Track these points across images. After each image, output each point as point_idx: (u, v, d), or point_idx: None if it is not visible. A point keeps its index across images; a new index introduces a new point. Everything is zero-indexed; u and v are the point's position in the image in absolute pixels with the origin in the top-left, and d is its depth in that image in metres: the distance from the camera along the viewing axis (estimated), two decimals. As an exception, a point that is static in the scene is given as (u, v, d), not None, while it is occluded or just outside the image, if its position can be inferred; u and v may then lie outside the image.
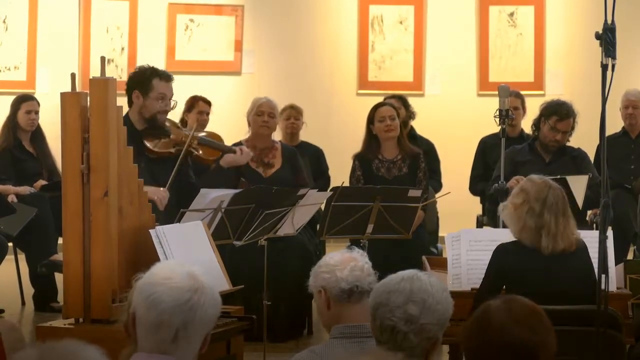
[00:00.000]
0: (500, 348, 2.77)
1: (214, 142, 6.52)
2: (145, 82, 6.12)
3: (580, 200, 6.66)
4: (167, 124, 6.27)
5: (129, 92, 6.18)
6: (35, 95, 8.53)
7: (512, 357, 2.77)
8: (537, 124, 7.26)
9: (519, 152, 7.31)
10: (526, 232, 4.69)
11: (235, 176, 6.71)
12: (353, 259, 3.72)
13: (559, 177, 6.00)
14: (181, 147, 6.18)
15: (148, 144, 6.11)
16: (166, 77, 6.17)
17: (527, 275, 4.63)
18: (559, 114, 7.12)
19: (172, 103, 6.23)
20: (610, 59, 4.11)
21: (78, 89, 4.59)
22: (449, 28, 11.04)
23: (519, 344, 2.77)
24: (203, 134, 6.54)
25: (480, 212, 8.42)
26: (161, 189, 5.96)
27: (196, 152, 6.35)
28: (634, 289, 5.15)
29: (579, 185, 6.68)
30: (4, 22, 10.35)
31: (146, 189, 5.89)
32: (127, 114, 6.19)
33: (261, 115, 6.97)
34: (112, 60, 10.58)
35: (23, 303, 7.69)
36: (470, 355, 2.83)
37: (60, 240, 6.34)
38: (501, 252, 4.74)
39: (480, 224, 8.17)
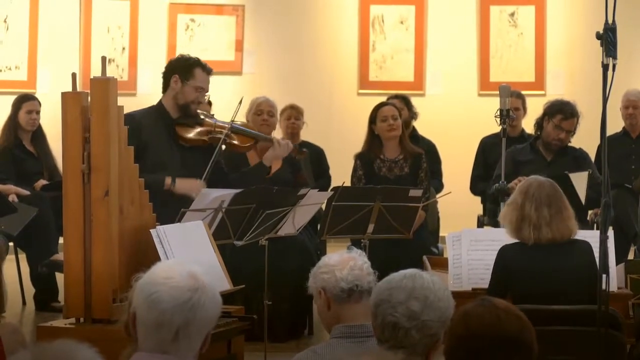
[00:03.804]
0: (479, 340, 2.79)
1: (247, 130, 6.51)
2: (188, 68, 6.13)
3: (582, 195, 6.68)
4: (200, 112, 6.27)
5: (167, 76, 6.17)
6: (36, 95, 8.52)
7: (491, 349, 2.79)
8: (540, 123, 7.25)
9: (521, 151, 7.31)
10: (512, 227, 4.78)
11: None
12: (352, 259, 3.71)
13: (560, 174, 6.02)
14: (214, 135, 6.19)
15: (181, 133, 6.13)
16: (208, 70, 6.19)
17: (528, 274, 4.66)
18: (563, 112, 7.12)
19: (207, 96, 6.27)
20: (611, 58, 4.11)
21: (79, 89, 4.60)
22: (450, 28, 11.04)
23: (498, 335, 2.79)
24: (237, 122, 6.52)
25: (481, 212, 8.42)
26: (197, 181, 5.97)
27: (231, 141, 6.34)
28: (635, 289, 5.16)
29: (580, 181, 6.70)
30: (5, 21, 10.35)
31: (181, 184, 5.96)
32: (161, 100, 6.21)
33: (260, 114, 7.00)
34: (113, 60, 10.59)
35: (24, 303, 7.68)
36: (451, 353, 2.85)
37: (61, 240, 6.33)
38: (503, 253, 4.79)
39: (481, 223, 8.17)
